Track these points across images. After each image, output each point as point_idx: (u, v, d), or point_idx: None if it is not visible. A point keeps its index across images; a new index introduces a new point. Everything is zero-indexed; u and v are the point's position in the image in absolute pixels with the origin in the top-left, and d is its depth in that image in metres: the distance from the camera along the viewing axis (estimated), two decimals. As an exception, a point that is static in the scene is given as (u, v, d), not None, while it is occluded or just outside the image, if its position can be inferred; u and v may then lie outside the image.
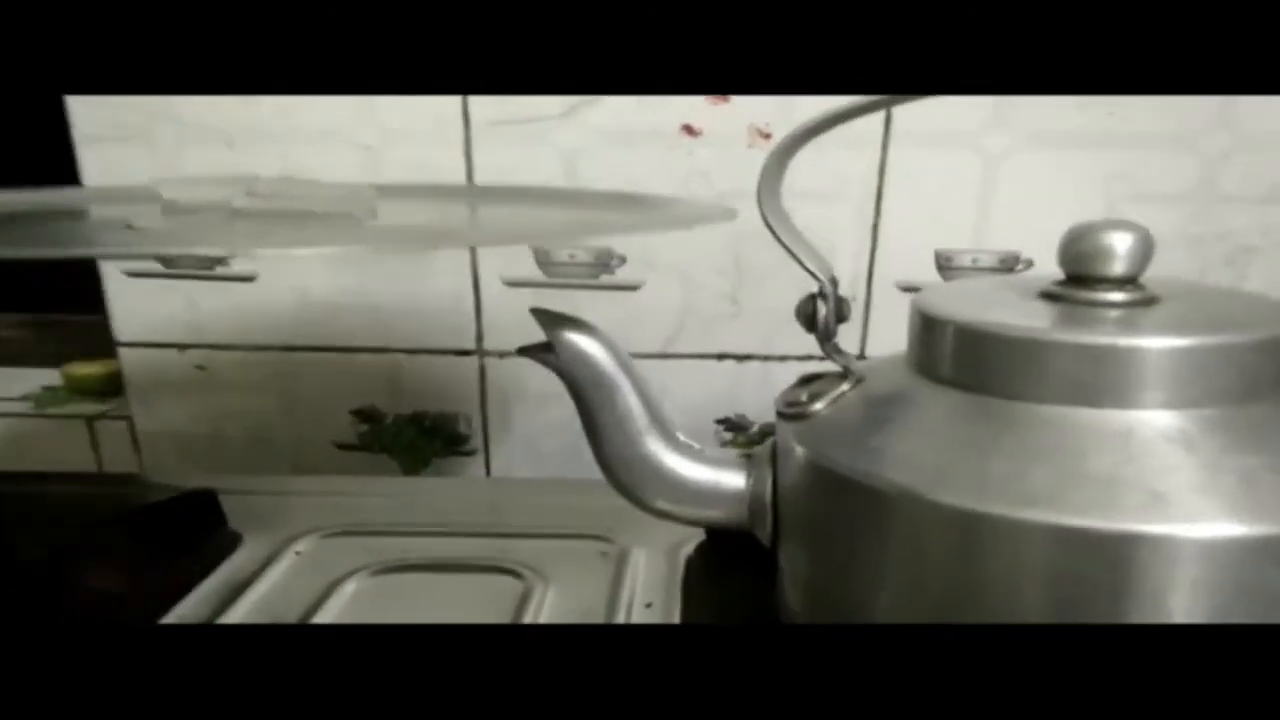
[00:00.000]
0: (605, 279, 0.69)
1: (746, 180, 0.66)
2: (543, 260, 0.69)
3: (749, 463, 0.38)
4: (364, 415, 0.73)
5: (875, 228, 0.66)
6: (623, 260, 0.68)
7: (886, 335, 0.69)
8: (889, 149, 0.65)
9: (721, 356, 0.71)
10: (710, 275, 0.69)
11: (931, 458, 0.30)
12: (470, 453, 0.75)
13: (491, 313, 0.70)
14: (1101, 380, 0.29)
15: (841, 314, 0.35)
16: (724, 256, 0.68)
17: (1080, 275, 0.33)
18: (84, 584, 0.44)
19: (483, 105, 0.65)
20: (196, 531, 0.50)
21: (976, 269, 0.66)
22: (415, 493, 0.61)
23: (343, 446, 0.74)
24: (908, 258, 0.67)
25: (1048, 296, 0.34)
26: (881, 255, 0.67)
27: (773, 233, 0.35)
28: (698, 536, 0.52)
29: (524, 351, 0.38)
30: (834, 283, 0.35)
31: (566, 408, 0.73)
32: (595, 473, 0.41)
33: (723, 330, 0.70)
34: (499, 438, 0.74)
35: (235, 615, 0.44)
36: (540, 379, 0.71)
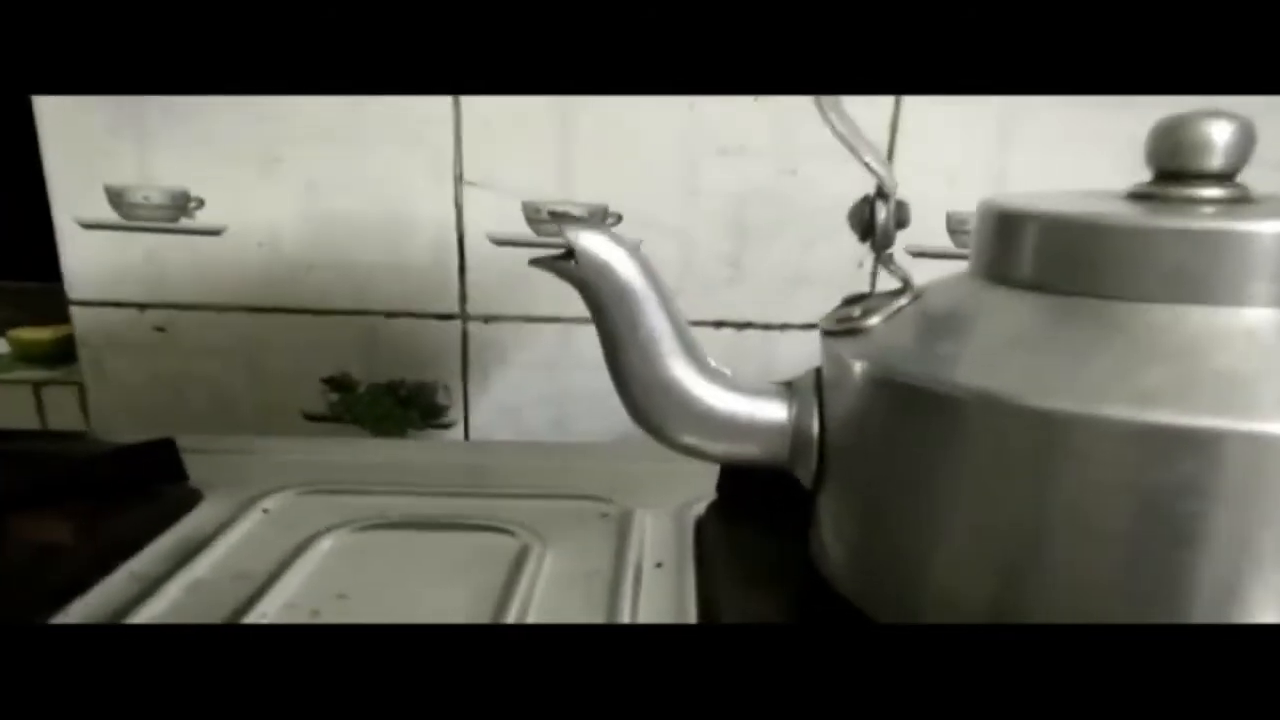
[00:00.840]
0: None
1: (753, 136, 0.63)
2: (533, 217, 0.64)
3: (790, 391, 0.34)
4: (335, 383, 0.68)
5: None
6: (618, 219, 0.64)
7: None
8: (902, 105, 0.61)
9: (720, 324, 0.67)
10: (710, 236, 0.65)
11: (1022, 362, 0.26)
12: (448, 425, 0.70)
13: (476, 273, 0.66)
14: (1213, 273, 0.26)
15: (901, 219, 0.31)
16: (725, 216, 0.64)
17: (1173, 171, 0.29)
18: (26, 536, 0.39)
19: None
20: (153, 484, 0.45)
21: (992, 233, 0.63)
22: (393, 453, 0.56)
23: (312, 417, 0.69)
24: (919, 221, 0.63)
25: (1136, 196, 0.30)
26: (893, 217, 0.64)
27: (831, 127, 0.31)
28: (707, 497, 0.48)
29: (539, 262, 0.34)
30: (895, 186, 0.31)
31: (552, 379, 0.69)
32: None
33: (722, 295, 0.66)
34: (479, 410, 0.69)
35: (196, 572, 0.39)
36: (526, 347, 0.67)
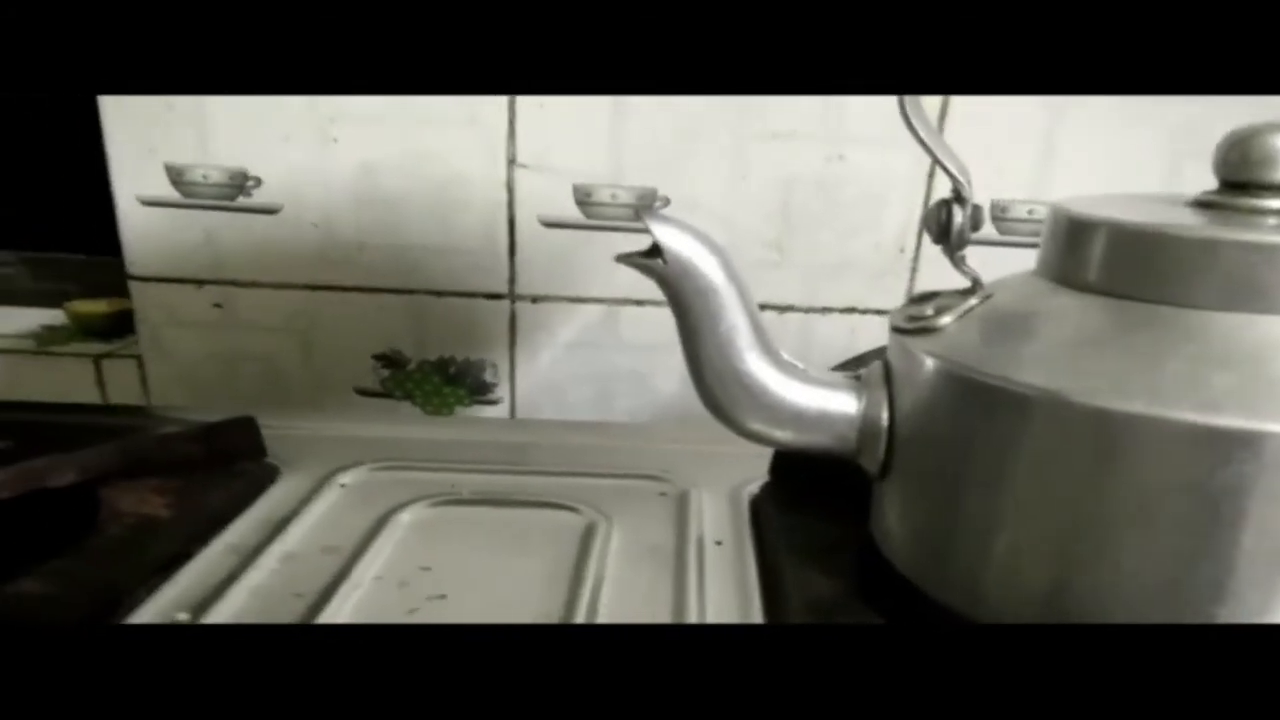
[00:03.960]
0: (637, 208, 0.66)
1: (803, 121, 0.64)
2: (582, 200, 0.66)
3: (860, 384, 0.36)
4: (387, 360, 0.70)
5: (931, 175, 0.64)
6: (666, 202, 0.66)
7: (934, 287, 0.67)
8: (951, 96, 0.63)
9: (762, 306, 0.68)
10: (756, 221, 0.66)
11: (1090, 364, 0.28)
12: (495, 401, 0.72)
13: (526, 254, 0.67)
14: (1277, 284, 0.27)
15: (976, 222, 0.33)
16: (771, 202, 0.66)
17: (1240, 182, 0.31)
18: (125, 509, 0.41)
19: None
20: (235, 460, 0.47)
21: (1032, 220, 0.65)
22: (453, 431, 0.58)
23: (363, 392, 0.71)
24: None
25: (1202, 204, 0.32)
26: (935, 204, 0.65)
27: (912, 131, 0.33)
28: (758, 478, 0.50)
29: (626, 258, 0.36)
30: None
31: (596, 358, 0.71)
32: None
33: (765, 279, 0.67)
34: (526, 387, 0.71)
35: (287, 544, 0.41)
36: (572, 327, 0.69)
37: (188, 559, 0.40)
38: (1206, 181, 0.33)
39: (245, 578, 0.38)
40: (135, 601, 0.37)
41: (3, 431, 0.50)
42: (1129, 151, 0.63)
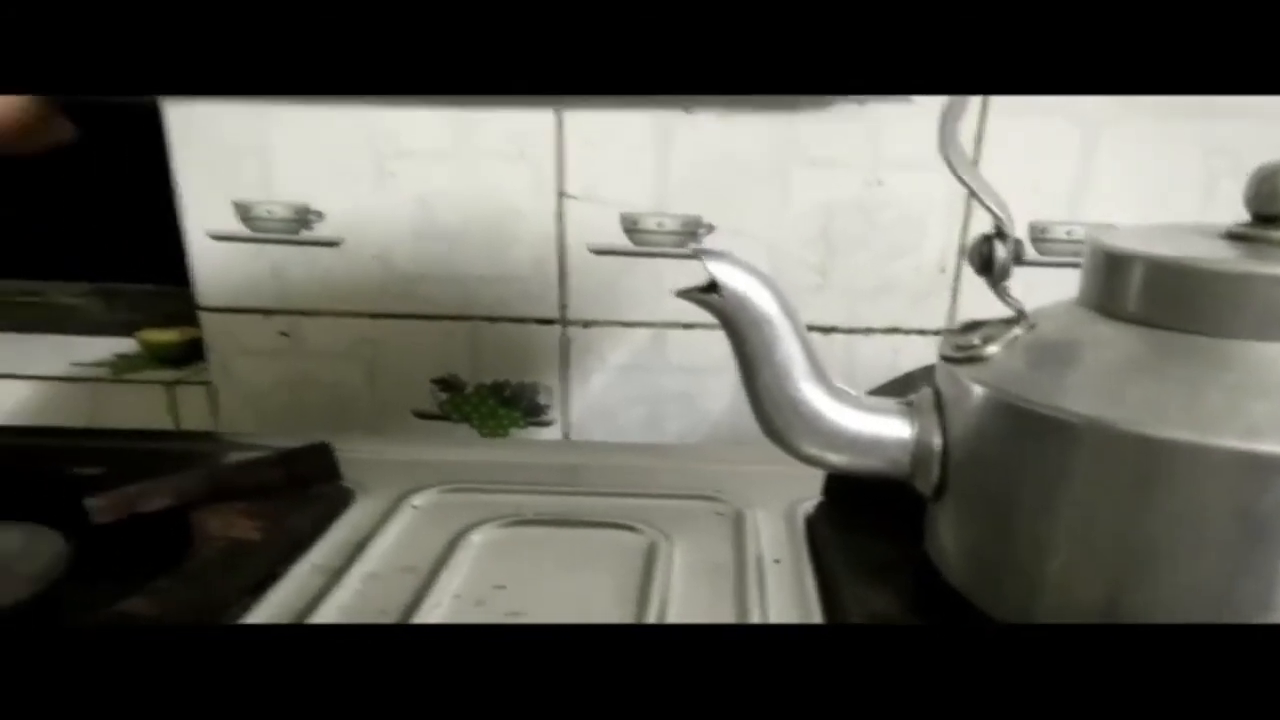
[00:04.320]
0: (693, 247, 0.68)
1: (842, 148, 0.66)
2: (630, 228, 0.68)
3: (911, 410, 0.38)
4: (445, 384, 0.73)
5: (969, 197, 0.66)
6: (711, 228, 0.68)
7: (975, 307, 0.69)
8: (988, 117, 0.64)
9: (807, 328, 0.70)
10: (798, 246, 0.68)
11: (1133, 392, 0.30)
12: (548, 423, 0.74)
13: (576, 281, 0.70)
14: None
15: (1019, 255, 0.35)
16: (813, 227, 0.68)
17: (1272, 215, 0.32)
18: (216, 532, 0.44)
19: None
20: (312, 483, 0.50)
21: (1071, 241, 0.66)
22: (511, 453, 0.61)
23: (422, 415, 0.74)
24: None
25: (1235, 237, 0.33)
26: (974, 225, 0.67)
27: (953, 170, 0.35)
28: (811, 497, 0.51)
29: (686, 294, 0.38)
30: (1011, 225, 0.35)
31: (645, 380, 0.73)
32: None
33: (808, 301, 0.69)
34: (578, 409, 0.74)
35: (367, 565, 0.44)
36: (622, 351, 0.72)
37: (276, 579, 0.42)
38: (1242, 199, 0.35)
39: (332, 597, 0.41)
40: (232, 620, 0.39)
41: (93, 458, 0.53)
42: (1165, 171, 0.64)
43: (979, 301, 0.41)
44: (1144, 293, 0.32)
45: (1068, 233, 0.66)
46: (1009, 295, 0.36)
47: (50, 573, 0.42)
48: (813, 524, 0.49)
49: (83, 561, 0.43)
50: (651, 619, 0.40)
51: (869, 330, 0.70)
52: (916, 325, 0.70)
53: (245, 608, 0.40)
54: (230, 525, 0.45)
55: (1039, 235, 0.66)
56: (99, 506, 0.45)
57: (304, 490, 0.49)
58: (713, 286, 0.37)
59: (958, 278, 0.69)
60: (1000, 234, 0.35)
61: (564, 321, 0.71)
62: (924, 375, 0.57)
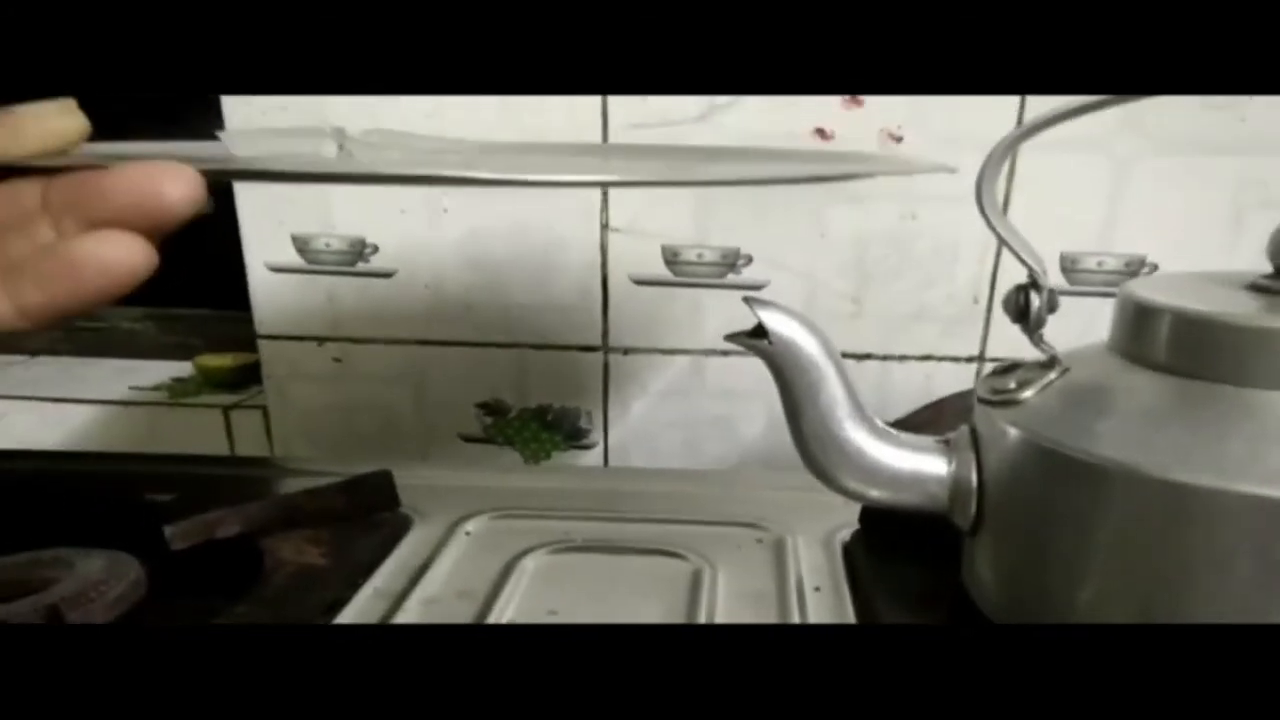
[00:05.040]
0: (731, 278, 0.71)
1: (876, 183, 0.68)
2: (670, 259, 0.71)
3: (949, 448, 0.39)
4: (489, 408, 0.76)
5: (1002, 231, 0.68)
6: (749, 260, 0.70)
7: (1008, 338, 0.70)
8: (1019, 152, 0.66)
9: (841, 355, 0.72)
10: (833, 275, 0.70)
11: (1161, 438, 0.32)
12: (590, 446, 0.77)
13: (618, 309, 0.72)
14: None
15: (1053, 305, 0.37)
16: (848, 257, 0.70)
17: (1293, 268, 0.34)
18: (286, 558, 0.47)
19: (621, 108, 0.67)
20: (374, 510, 0.52)
21: (1101, 272, 0.68)
22: (556, 480, 0.63)
23: (468, 439, 0.77)
24: (1031, 261, 0.69)
25: (1259, 289, 0.35)
26: (1007, 257, 0.68)
27: (988, 223, 0.37)
28: (850, 525, 0.53)
29: (733, 338, 0.40)
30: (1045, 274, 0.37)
31: (684, 406, 0.75)
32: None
33: (843, 329, 0.71)
34: (618, 433, 0.76)
35: (427, 590, 0.46)
36: (661, 377, 0.74)
37: (344, 604, 0.45)
38: (1266, 251, 0.36)
39: (395, 620, 0.43)
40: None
41: (160, 483, 0.56)
42: (1194, 204, 0.66)
43: (1011, 331, 0.42)
44: (1171, 343, 0.34)
45: (1099, 263, 0.68)
46: (1044, 343, 0.38)
47: (132, 596, 0.44)
48: (850, 552, 0.51)
49: (160, 586, 0.46)
50: (699, 645, 0.42)
51: (903, 357, 0.72)
52: (949, 353, 0.71)
53: (315, 631, 0.43)
54: (299, 552, 0.47)
55: (1070, 266, 0.68)
56: (177, 534, 0.47)
57: (366, 517, 0.52)
58: (761, 332, 0.39)
59: (990, 307, 0.70)
60: (1035, 284, 0.37)
61: (606, 349, 0.73)
62: (955, 400, 0.59)
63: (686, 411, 0.75)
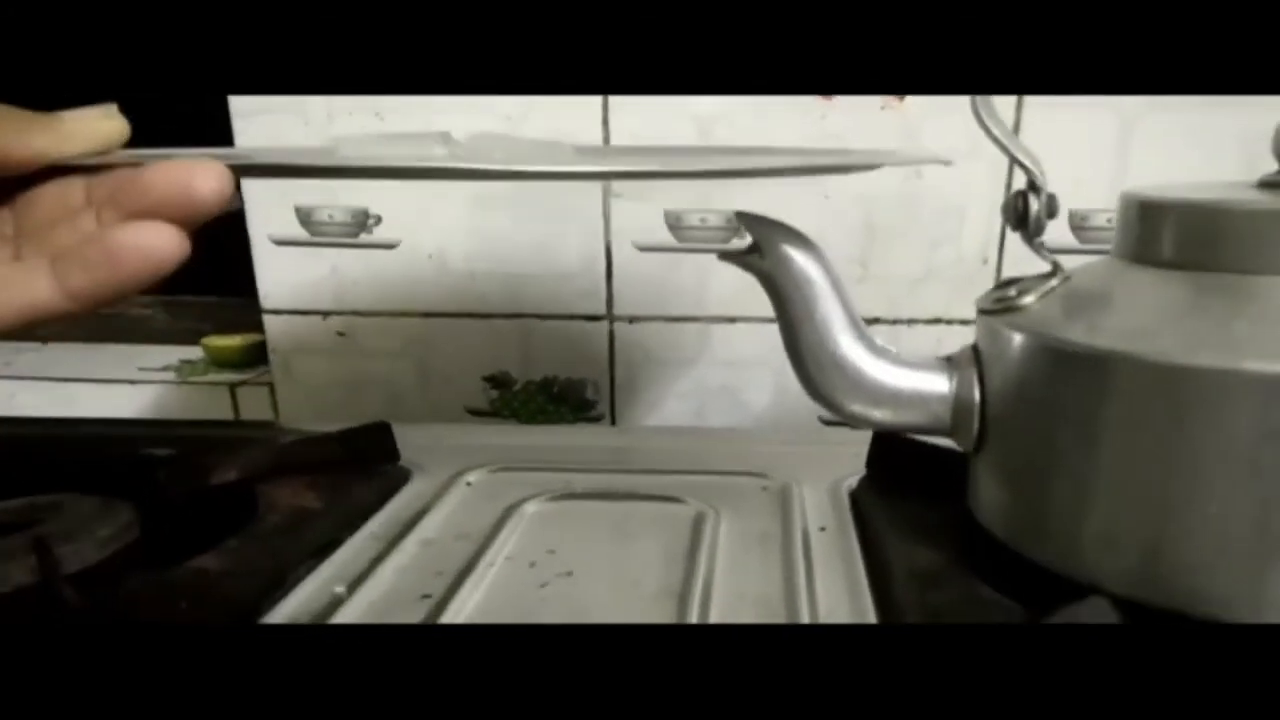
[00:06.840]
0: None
1: (878, 143, 0.67)
2: (674, 224, 0.70)
3: (950, 365, 0.39)
4: (495, 381, 0.75)
5: (1009, 187, 0.67)
6: (754, 224, 0.69)
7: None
8: (1023, 108, 0.65)
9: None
10: (840, 239, 0.69)
11: (1165, 328, 0.31)
12: (596, 418, 0.76)
13: (622, 278, 0.72)
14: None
15: (1052, 210, 0.36)
16: (853, 220, 0.69)
17: (1301, 161, 0.33)
18: (283, 502, 0.46)
19: (623, 129, 0.67)
20: (372, 462, 0.52)
21: (1111, 228, 0.66)
22: (561, 438, 0.63)
23: (473, 411, 0.76)
24: (1040, 219, 0.68)
25: (1265, 185, 0.34)
26: (1015, 215, 0.67)
27: (984, 128, 0.36)
28: (856, 473, 0.52)
29: (726, 256, 0.39)
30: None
31: (691, 374, 0.74)
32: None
33: (851, 293, 0.70)
34: (625, 403, 0.75)
35: (424, 533, 0.46)
36: (668, 345, 0.73)
37: (339, 544, 0.44)
38: (1271, 151, 0.36)
39: (390, 559, 0.43)
40: (297, 579, 0.41)
41: (163, 443, 0.56)
42: (1203, 158, 0.64)
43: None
44: (1176, 237, 0.33)
45: (1108, 220, 0.66)
46: (1044, 249, 0.37)
47: (123, 537, 0.44)
48: (857, 495, 0.50)
49: (155, 531, 0.45)
50: (699, 579, 0.41)
51: (911, 321, 0.71)
52: (959, 315, 0.70)
53: (310, 569, 0.42)
54: (295, 496, 0.47)
55: (1079, 223, 0.67)
56: (171, 477, 0.47)
57: (364, 468, 0.51)
58: (754, 248, 0.38)
59: (999, 268, 0.69)
60: (1034, 188, 0.36)
61: (611, 317, 0.73)
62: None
63: (693, 380, 0.74)
